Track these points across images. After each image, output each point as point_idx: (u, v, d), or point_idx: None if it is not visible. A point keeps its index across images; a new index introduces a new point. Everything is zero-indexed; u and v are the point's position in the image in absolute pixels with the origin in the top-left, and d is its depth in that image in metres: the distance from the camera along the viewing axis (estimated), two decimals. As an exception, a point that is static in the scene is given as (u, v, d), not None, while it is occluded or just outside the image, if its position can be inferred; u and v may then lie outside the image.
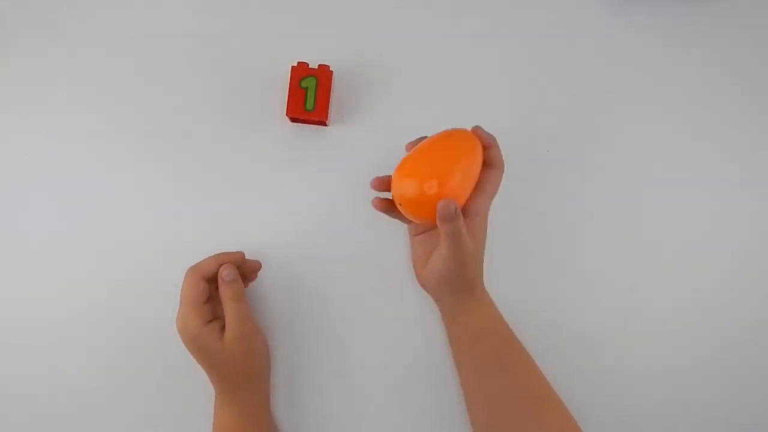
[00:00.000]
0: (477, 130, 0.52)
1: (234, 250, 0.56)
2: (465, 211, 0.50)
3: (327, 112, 0.57)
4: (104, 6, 0.61)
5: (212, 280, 0.53)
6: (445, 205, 0.46)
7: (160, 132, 0.60)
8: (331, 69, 0.57)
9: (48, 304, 0.58)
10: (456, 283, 0.52)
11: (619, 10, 0.61)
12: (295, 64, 0.57)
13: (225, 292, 0.53)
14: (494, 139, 0.52)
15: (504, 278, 0.58)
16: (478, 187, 0.51)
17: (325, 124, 0.59)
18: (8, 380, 0.58)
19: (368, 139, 0.60)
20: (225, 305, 0.53)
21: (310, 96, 0.57)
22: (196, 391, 0.55)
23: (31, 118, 0.60)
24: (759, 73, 0.61)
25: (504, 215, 0.59)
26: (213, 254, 0.54)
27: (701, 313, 0.59)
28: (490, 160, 0.52)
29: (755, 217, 0.60)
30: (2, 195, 0.59)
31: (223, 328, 0.53)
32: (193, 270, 0.53)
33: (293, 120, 0.59)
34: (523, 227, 0.60)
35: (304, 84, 0.57)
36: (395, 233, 0.58)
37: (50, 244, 0.59)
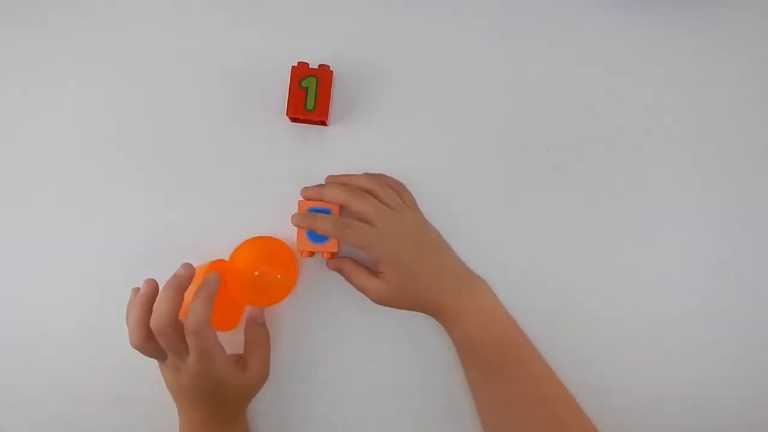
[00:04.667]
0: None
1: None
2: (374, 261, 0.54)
3: (327, 112, 0.57)
4: (105, 6, 0.61)
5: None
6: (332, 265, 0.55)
7: (160, 132, 0.60)
8: (331, 69, 0.57)
9: (46, 305, 0.58)
10: (416, 309, 0.54)
11: (619, 10, 0.61)
12: (295, 64, 0.57)
13: (259, 334, 0.55)
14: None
15: (504, 278, 0.58)
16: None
17: (326, 124, 0.59)
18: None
19: (368, 139, 0.60)
20: (256, 347, 0.54)
21: (310, 96, 0.57)
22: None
23: (32, 117, 0.60)
24: (759, 74, 0.61)
25: (504, 215, 0.60)
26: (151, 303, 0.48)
27: (701, 312, 0.59)
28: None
29: (758, 218, 0.60)
30: (2, 193, 0.59)
31: (235, 363, 0.52)
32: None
33: (293, 120, 0.59)
34: (523, 227, 0.60)
35: (304, 84, 0.57)
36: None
37: (50, 237, 0.59)
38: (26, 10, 0.60)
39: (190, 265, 0.49)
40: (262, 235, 0.58)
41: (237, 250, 0.56)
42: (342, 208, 0.55)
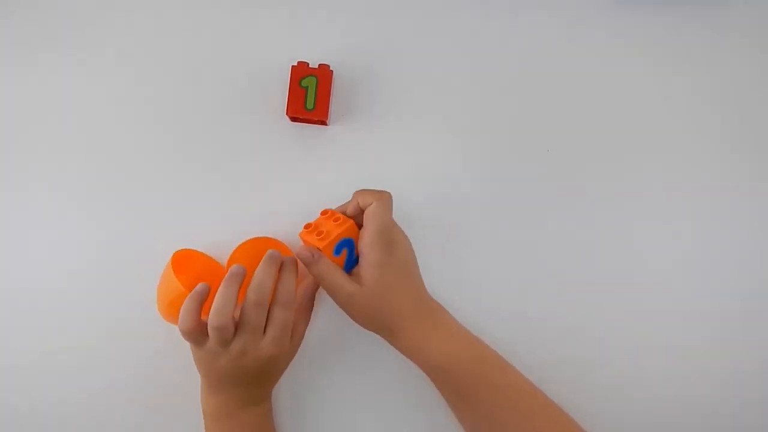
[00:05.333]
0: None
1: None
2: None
3: (327, 112, 0.57)
4: (106, 7, 0.61)
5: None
6: (303, 251, 0.51)
7: (159, 132, 0.60)
8: (331, 69, 0.58)
9: (51, 306, 0.59)
10: (377, 324, 0.52)
11: (619, 11, 0.61)
12: (295, 64, 0.57)
13: (309, 305, 0.55)
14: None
15: (503, 278, 0.58)
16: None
17: (326, 124, 0.59)
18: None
19: (368, 139, 0.60)
20: (302, 317, 0.54)
21: (310, 95, 0.57)
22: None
23: (31, 119, 0.60)
24: (759, 74, 0.61)
25: (503, 215, 0.60)
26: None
27: (699, 312, 0.59)
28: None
29: (757, 217, 0.60)
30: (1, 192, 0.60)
31: None
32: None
33: (293, 119, 0.59)
34: (523, 227, 0.60)
35: (304, 83, 0.57)
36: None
37: (52, 239, 0.59)
38: (28, 12, 0.61)
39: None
40: (261, 234, 0.58)
41: (235, 251, 0.56)
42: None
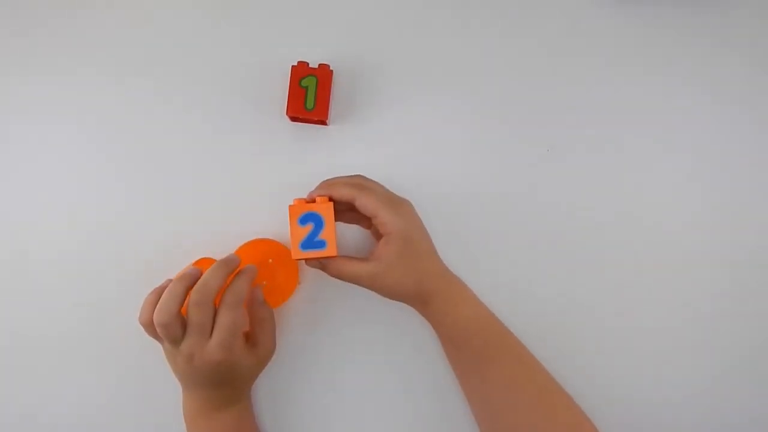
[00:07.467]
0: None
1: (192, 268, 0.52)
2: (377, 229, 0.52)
3: (327, 112, 0.57)
4: (105, 6, 0.61)
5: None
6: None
7: (160, 132, 0.60)
8: (331, 68, 0.58)
9: (47, 305, 0.58)
10: (406, 292, 0.53)
11: (619, 9, 0.61)
12: (295, 64, 0.57)
13: (264, 311, 0.54)
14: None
15: (503, 278, 0.58)
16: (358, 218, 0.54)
17: (326, 124, 0.59)
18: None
19: (368, 139, 0.60)
20: (264, 324, 0.54)
21: (310, 95, 0.57)
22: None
23: (30, 119, 0.60)
24: (759, 72, 0.61)
25: (504, 215, 0.60)
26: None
27: (699, 310, 0.59)
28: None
29: (757, 214, 0.60)
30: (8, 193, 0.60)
31: (246, 342, 0.52)
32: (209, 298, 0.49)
33: (293, 119, 0.59)
34: (523, 227, 0.60)
35: (304, 83, 0.57)
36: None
37: (48, 240, 0.59)
38: (27, 12, 0.61)
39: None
40: (261, 235, 0.57)
41: (237, 253, 0.56)
42: (339, 213, 0.53)
